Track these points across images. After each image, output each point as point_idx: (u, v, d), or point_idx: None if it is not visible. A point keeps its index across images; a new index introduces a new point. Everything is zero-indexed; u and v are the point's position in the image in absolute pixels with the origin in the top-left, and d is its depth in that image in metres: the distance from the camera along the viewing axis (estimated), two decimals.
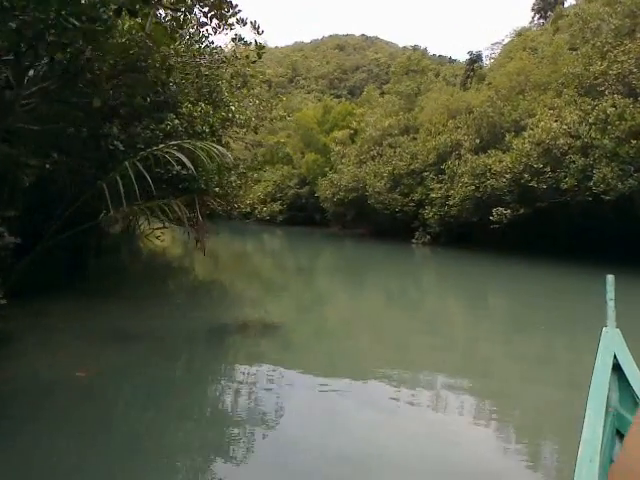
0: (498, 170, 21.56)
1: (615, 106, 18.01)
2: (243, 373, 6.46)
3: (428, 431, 4.63)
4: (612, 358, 2.62)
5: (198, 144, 8.48)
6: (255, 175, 16.06)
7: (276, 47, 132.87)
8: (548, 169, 19.69)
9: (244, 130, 14.35)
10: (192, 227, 10.61)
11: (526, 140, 20.57)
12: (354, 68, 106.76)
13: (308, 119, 46.31)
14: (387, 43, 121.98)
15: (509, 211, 21.21)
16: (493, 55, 46.98)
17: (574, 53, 22.82)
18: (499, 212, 21.41)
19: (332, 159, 37.09)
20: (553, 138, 19.47)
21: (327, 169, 36.67)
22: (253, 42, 10.79)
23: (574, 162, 18.99)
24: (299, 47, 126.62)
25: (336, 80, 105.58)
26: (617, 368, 2.61)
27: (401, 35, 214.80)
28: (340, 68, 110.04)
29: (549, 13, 46.27)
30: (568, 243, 21.35)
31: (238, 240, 33.09)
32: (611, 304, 2.80)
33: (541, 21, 49.71)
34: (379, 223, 31.96)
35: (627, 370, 2.57)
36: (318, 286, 15.13)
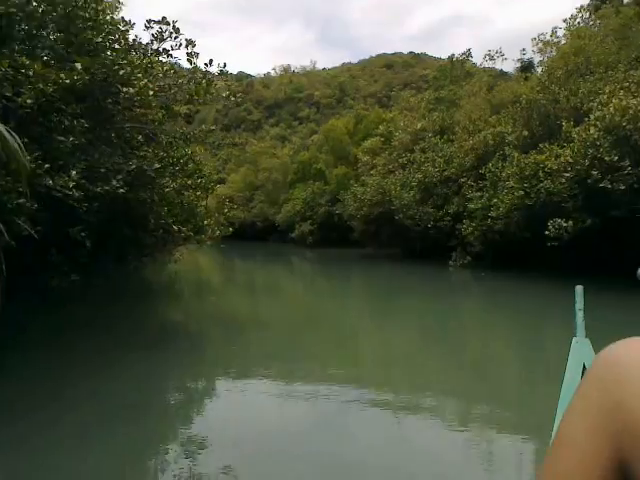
0: (554, 168, 16.14)
1: None
2: None
3: None
4: (582, 368, 2.36)
5: None
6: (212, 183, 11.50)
7: (324, 69, 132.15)
8: (626, 162, 14.30)
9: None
10: None
11: (592, 125, 15.16)
12: (403, 85, 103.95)
13: (338, 131, 42.10)
14: (436, 59, 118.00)
15: (571, 223, 15.69)
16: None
17: None
18: (557, 225, 15.92)
19: (359, 171, 32.43)
20: (632, 119, 14.03)
21: (353, 182, 32.01)
22: None
23: None
24: (347, 68, 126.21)
25: (385, 98, 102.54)
26: None
27: (449, 50, 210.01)
28: (388, 86, 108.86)
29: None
30: None
31: (263, 265, 31.88)
32: (580, 314, 2.59)
33: (598, 22, 43.46)
34: (411, 241, 26.84)
35: None
36: (346, 322, 12.55)
